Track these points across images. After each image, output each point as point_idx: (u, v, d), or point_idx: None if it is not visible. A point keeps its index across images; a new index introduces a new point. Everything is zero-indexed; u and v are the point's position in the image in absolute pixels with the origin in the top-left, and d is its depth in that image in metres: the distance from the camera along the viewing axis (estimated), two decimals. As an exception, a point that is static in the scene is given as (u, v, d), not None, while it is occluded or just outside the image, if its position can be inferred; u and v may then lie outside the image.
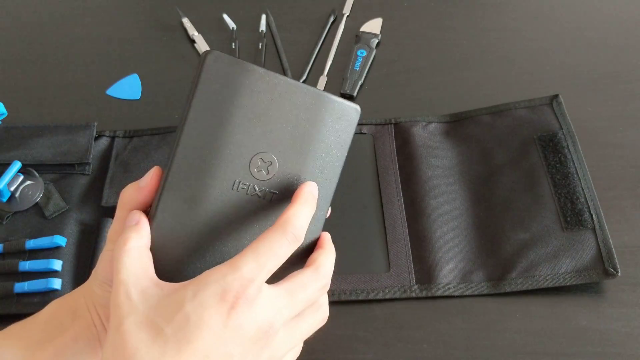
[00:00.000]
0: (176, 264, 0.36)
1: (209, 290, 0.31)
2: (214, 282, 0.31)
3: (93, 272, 0.40)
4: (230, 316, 0.31)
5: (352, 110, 0.38)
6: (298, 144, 0.37)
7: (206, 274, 0.32)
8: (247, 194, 0.36)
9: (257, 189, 0.36)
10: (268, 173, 0.37)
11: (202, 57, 0.36)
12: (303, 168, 0.37)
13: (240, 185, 0.36)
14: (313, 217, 0.37)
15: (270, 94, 0.36)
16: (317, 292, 0.36)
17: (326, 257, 0.37)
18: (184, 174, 0.35)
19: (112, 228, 0.38)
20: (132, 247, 0.34)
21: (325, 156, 0.38)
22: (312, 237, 0.39)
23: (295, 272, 0.35)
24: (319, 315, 0.37)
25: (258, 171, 0.36)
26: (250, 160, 0.36)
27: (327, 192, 0.39)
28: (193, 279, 0.32)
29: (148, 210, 0.37)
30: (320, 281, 0.36)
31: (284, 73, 0.72)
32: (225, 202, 0.36)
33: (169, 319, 0.31)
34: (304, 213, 0.35)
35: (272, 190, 0.37)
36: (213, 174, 0.35)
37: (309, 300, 0.35)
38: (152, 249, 0.35)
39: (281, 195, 0.37)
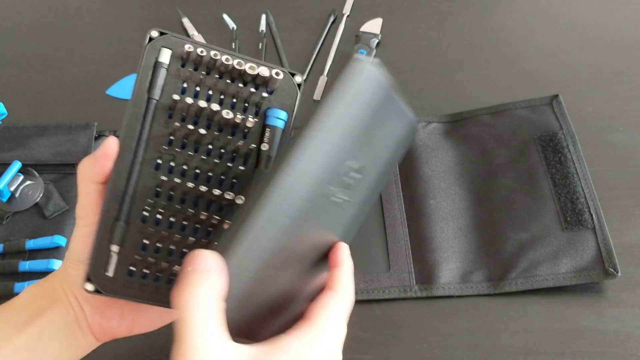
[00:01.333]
0: (260, 274, 0.32)
1: None
2: (300, 351, 0.31)
3: (67, 253, 0.39)
4: None
5: (417, 127, 0.40)
6: (379, 156, 0.37)
7: (289, 340, 0.31)
8: (329, 200, 0.34)
9: (339, 196, 0.34)
10: (354, 185, 0.35)
11: (351, 63, 0.32)
12: (373, 180, 0.37)
13: (329, 195, 0.34)
14: (358, 221, 0.38)
15: (385, 113, 0.35)
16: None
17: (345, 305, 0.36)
18: (287, 193, 0.31)
19: (78, 205, 0.37)
20: (204, 298, 0.28)
21: (388, 168, 0.39)
22: (350, 238, 0.39)
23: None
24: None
25: (346, 181, 0.34)
26: (346, 171, 0.34)
27: (375, 199, 0.40)
28: (276, 346, 0.31)
29: (106, 180, 0.37)
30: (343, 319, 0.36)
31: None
32: (315, 209, 0.33)
33: None
34: (351, 276, 0.36)
35: (348, 199, 0.35)
36: (313, 189, 0.32)
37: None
38: (239, 259, 0.30)
39: (349, 202, 0.36)
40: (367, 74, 0.33)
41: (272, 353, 0.30)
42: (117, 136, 0.37)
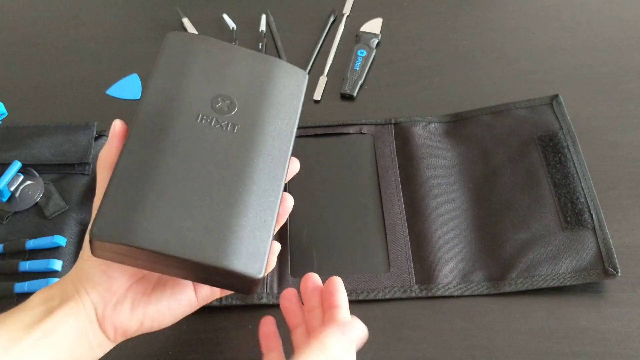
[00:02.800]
0: (149, 197, 0.37)
1: None
2: None
3: (81, 252, 0.40)
4: None
5: (298, 72, 0.44)
6: (253, 90, 0.41)
7: None
8: (211, 125, 0.40)
9: (219, 121, 0.40)
10: (229, 111, 0.40)
11: (165, 39, 0.41)
12: (261, 109, 0.41)
13: (205, 118, 0.40)
14: (276, 152, 0.41)
15: (224, 56, 0.41)
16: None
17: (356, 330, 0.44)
18: (151, 111, 0.39)
19: (97, 194, 0.38)
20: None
21: (281, 107, 0.42)
22: (274, 187, 0.41)
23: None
24: None
25: (220, 107, 0.40)
26: (212, 99, 0.40)
27: (287, 134, 0.42)
28: None
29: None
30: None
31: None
32: (192, 131, 0.39)
33: None
34: (348, 309, 0.44)
35: (235, 124, 0.40)
36: (177, 108, 0.39)
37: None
38: (124, 184, 0.37)
39: (243, 129, 0.40)
40: (170, 38, 0.41)
41: None
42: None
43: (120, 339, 0.41)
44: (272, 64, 0.43)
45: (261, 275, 0.37)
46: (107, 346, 0.41)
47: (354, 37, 0.76)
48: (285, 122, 0.42)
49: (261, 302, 0.53)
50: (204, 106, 0.40)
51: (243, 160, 0.39)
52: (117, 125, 0.40)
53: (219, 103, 0.40)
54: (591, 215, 0.55)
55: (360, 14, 0.79)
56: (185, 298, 0.42)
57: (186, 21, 0.79)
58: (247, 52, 0.42)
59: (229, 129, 0.40)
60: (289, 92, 0.43)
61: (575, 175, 0.58)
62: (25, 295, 0.53)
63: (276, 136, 0.41)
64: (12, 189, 0.60)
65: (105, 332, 0.40)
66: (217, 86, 0.40)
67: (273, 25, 0.78)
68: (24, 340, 0.37)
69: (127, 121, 0.67)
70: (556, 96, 0.65)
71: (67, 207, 0.59)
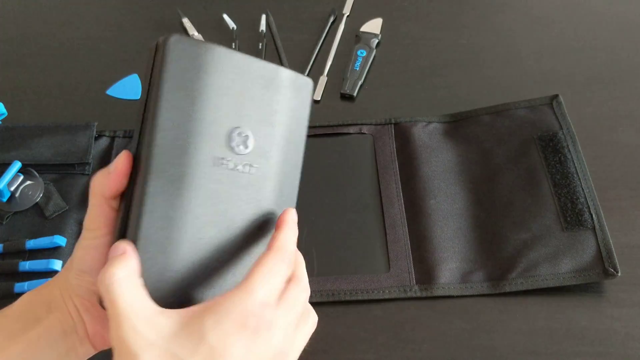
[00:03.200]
0: (171, 250, 0.35)
1: (230, 318, 0.31)
2: (233, 308, 0.31)
3: (68, 262, 0.39)
4: (254, 342, 0.31)
5: (305, 82, 0.41)
6: (265, 115, 0.39)
7: (222, 299, 0.32)
8: (228, 169, 0.37)
9: (237, 163, 0.37)
10: (247, 147, 0.38)
11: (162, 41, 0.37)
12: (274, 139, 0.39)
13: (222, 162, 0.37)
14: (287, 185, 0.40)
15: (233, 70, 0.38)
16: (305, 302, 0.37)
17: (303, 270, 0.38)
18: (166, 155, 0.35)
19: (87, 216, 0.37)
20: (122, 277, 0.32)
21: (290, 126, 0.40)
22: (288, 204, 0.40)
23: (285, 290, 0.35)
24: (310, 321, 0.38)
25: (237, 146, 0.37)
26: (227, 134, 0.37)
27: (296, 160, 0.41)
28: (208, 305, 0.32)
29: (121, 194, 0.37)
30: (305, 292, 0.37)
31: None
32: (210, 179, 0.36)
33: (193, 351, 0.30)
34: (292, 238, 0.37)
35: (251, 164, 0.38)
36: (194, 152, 0.36)
37: (300, 311, 0.36)
38: (144, 240, 0.34)
39: (259, 168, 0.38)
40: (171, 47, 0.36)
41: (199, 314, 0.31)
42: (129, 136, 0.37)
43: (107, 347, 0.41)
44: (281, 76, 0.39)
45: None
46: (93, 353, 0.40)
47: (354, 37, 0.76)
48: (295, 148, 0.41)
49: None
50: (221, 146, 0.36)
51: (262, 212, 0.39)
52: (124, 163, 0.36)
53: (234, 140, 0.37)
54: (591, 215, 0.55)
55: (360, 14, 0.79)
56: None
57: (186, 21, 0.79)
58: (255, 62, 0.39)
59: (244, 171, 0.38)
60: (299, 112, 0.41)
61: (575, 175, 0.58)
62: (25, 295, 0.54)
63: (289, 172, 0.40)
64: (12, 189, 0.60)
65: (92, 343, 0.39)
66: (231, 117, 0.37)
67: (273, 26, 0.78)
68: (11, 349, 0.36)
69: (128, 121, 0.68)
70: (556, 96, 0.65)
71: (67, 207, 0.59)
